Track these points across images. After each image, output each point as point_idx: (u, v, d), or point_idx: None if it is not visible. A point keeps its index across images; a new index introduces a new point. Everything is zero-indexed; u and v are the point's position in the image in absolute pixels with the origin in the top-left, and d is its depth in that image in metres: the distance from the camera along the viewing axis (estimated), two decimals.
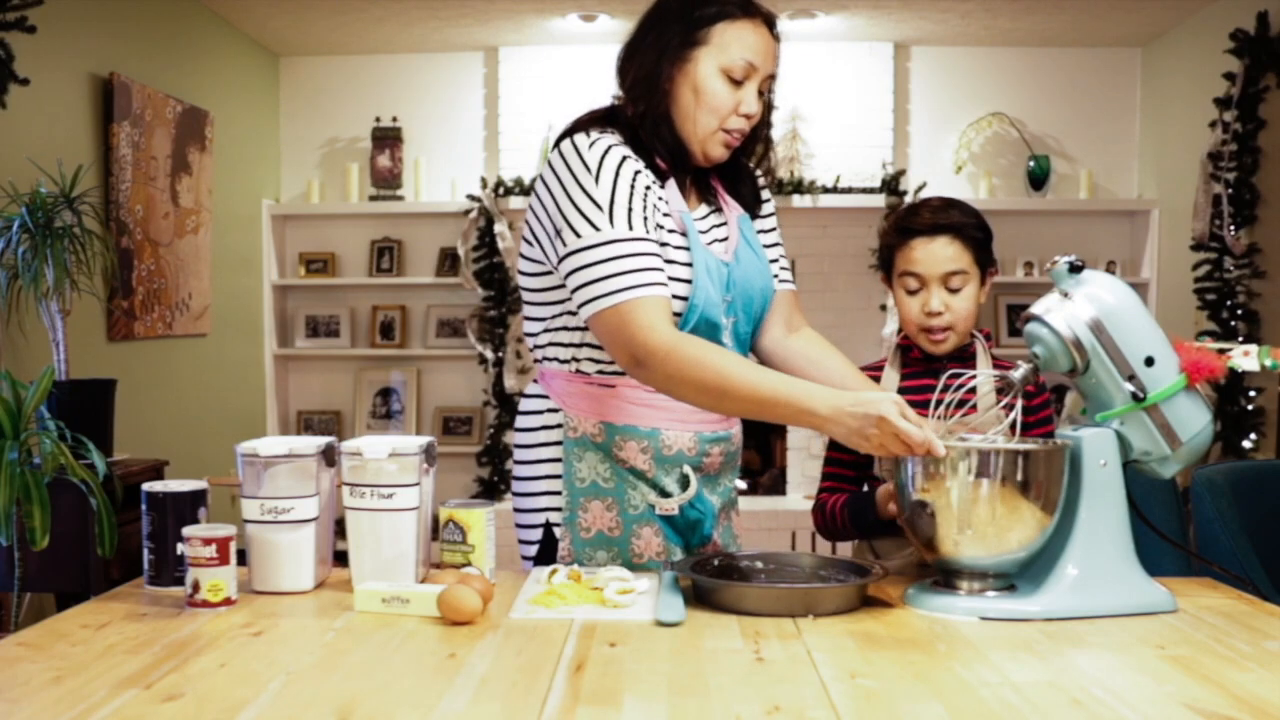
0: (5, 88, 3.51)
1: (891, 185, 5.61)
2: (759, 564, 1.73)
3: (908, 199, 5.55)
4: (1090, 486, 1.59)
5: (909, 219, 1.96)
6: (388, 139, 5.89)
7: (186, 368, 4.94)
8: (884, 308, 5.68)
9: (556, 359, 1.85)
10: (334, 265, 6.01)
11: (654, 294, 1.68)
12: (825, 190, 5.63)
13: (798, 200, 5.63)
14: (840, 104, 5.76)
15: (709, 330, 1.78)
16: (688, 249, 1.78)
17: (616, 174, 1.72)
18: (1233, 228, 4.63)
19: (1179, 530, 2.63)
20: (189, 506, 1.70)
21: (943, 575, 1.63)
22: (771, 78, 1.83)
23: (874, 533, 1.94)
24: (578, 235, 1.70)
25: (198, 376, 5.05)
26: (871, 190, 5.63)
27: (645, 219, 1.72)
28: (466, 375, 6.02)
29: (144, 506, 1.70)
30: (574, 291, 1.72)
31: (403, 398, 6.04)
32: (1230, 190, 4.64)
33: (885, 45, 5.77)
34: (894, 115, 5.79)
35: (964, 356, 1.98)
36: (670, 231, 1.78)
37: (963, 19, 5.37)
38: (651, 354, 1.65)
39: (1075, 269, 1.62)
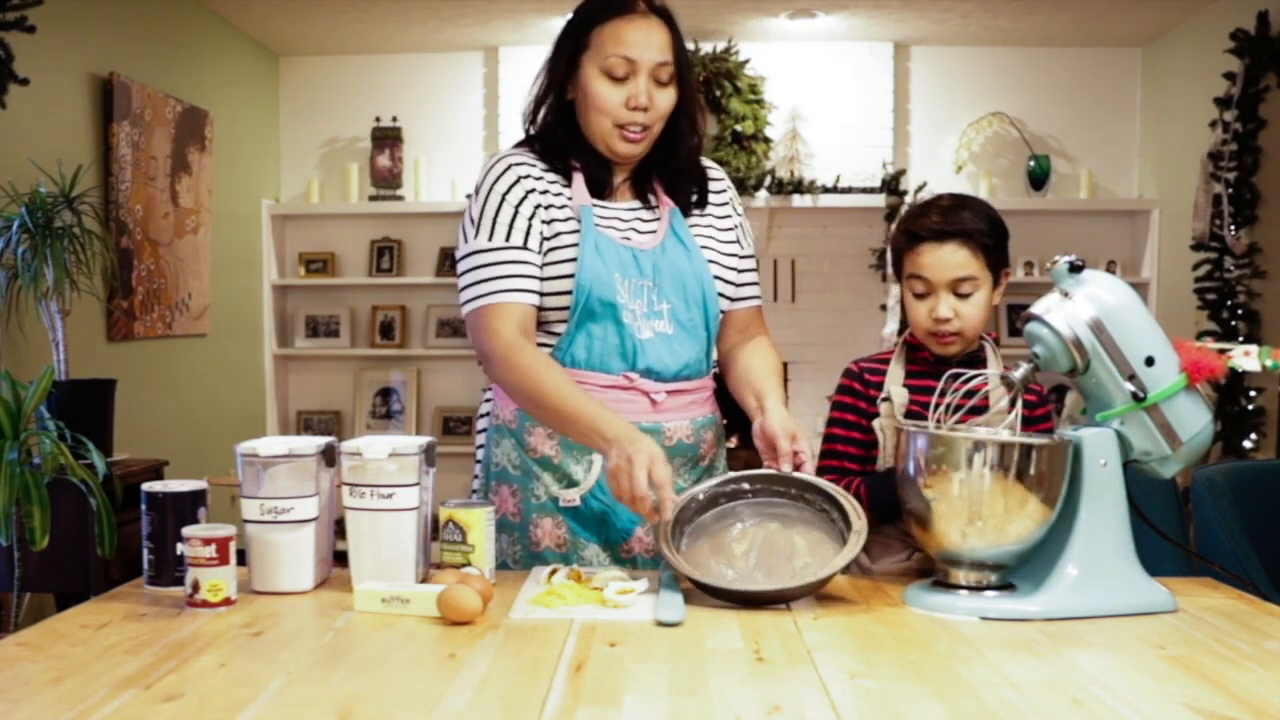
0: (5, 88, 3.51)
1: (891, 185, 5.61)
2: (745, 485, 1.74)
3: (908, 199, 5.55)
4: (1090, 486, 1.59)
5: (918, 221, 1.90)
6: (388, 139, 5.89)
7: (186, 368, 4.94)
8: (884, 308, 5.68)
9: None
10: (334, 265, 6.01)
11: (505, 300, 1.83)
12: (825, 190, 5.63)
13: (798, 200, 5.63)
14: (840, 104, 5.76)
15: (605, 309, 1.84)
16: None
17: (491, 190, 1.87)
18: (1233, 227, 4.63)
19: (1179, 530, 2.63)
20: (189, 506, 1.70)
21: (942, 566, 1.63)
22: (665, 65, 1.85)
23: (894, 517, 1.89)
24: (458, 247, 1.90)
25: (198, 376, 5.05)
26: (871, 190, 5.63)
27: (512, 229, 1.84)
28: (466, 375, 6.02)
29: (144, 506, 1.70)
30: (458, 294, 1.90)
31: (403, 398, 6.04)
32: (1230, 190, 4.64)
33: (885, 45, 5.77)
34: (894, 115, 5.79)
35: (974, 361, 1.94)
36: (565, 221, 1.87)
37: (963, 19, 5.37)
38: (489, 356, 1.83)
39: (1075, 269, 1.62)
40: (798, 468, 1.76)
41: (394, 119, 5.93)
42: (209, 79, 5.14)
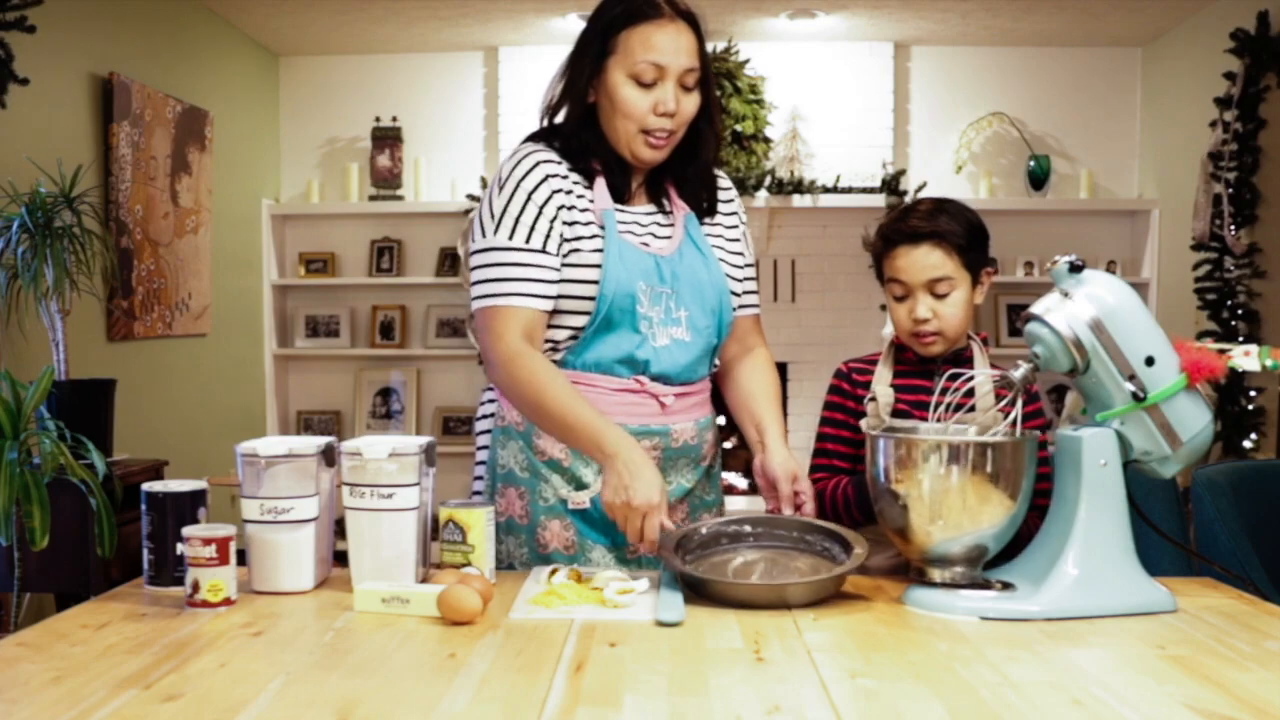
0: (5, 88, 3.51)
1: (891, 185, 5.61)
2: (747, 527, 1.74)
3: (908, 199, 5.55)
4: (1090, 486, 1.59)
5: (894, 225, 1.95)
6: (388, 139, 5.89)
7: (186, 368, 4.94)
8: (884, 307, 5.67)
9: None
10: (334, 265, 6.01)
11: (515, 304, 1.81)
12: (825, 190, 5.63)
13: (798, 200, 5.62)
14: (840, 104, 5.76)
15: (625, 317, 1.83)
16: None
17: (517, 187, 1.83)
18: (1233, 227, 4.63)
19: (1179, 530, 2.63)
20: (189, 506, 1.70)
21: (917, 564, 1.65)
22: (693, 71, 1.83)
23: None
24: (474, 240, 1.86)
25: (198, 376, 5.05)
26: (871, 190, 5.63)
27: (533, 231, 1.82)
28: (466, 375, 6.02)
29: (144, 506, 1.70)
30: (470, 288, 1.88)
31: (403, 398, 6.04)
32: (1230, 190, 4.64)
33: (885, 45, 5.77)
34: (894, 115, 5.79)
35: (959, 359, 1.97)
36: (586, 225, 1.85)
37: (963, 19, 5.37)
38: (493, 360, 1.82)
39: (1075, 269, 1.62)
40: (798, 508, 1.80)
41: (394, 119, 5.93)
42: (209, 79, 5.14)
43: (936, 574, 1.62)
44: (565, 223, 1.84)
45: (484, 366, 1.84)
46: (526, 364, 1.78)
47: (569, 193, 1.85)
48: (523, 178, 1.84)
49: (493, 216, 1.83)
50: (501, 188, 1.85)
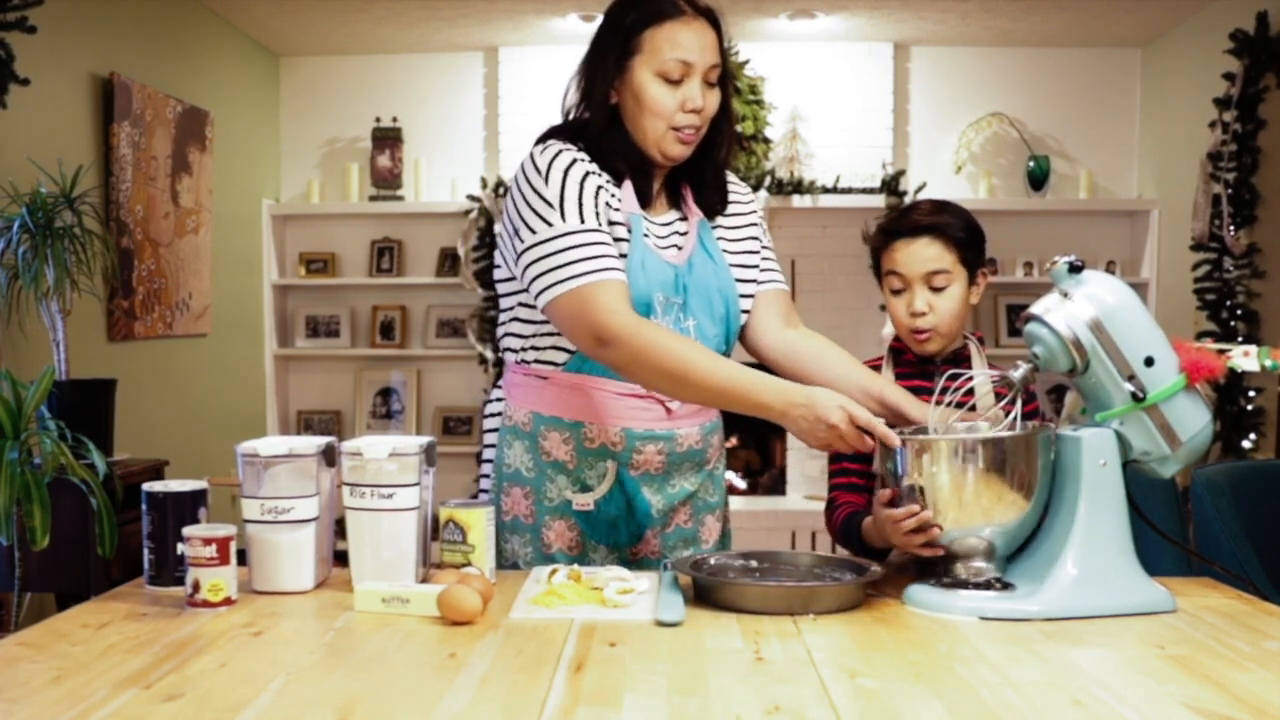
0: (5, 88, 3.51)
1: (891, 185, 5.61)
2: (754, 563, 1.73)
3: (908, 199, 5.56)
4: (1090, 486, 1.60)
5: (896, 220, 1.98)
6: (388, 139, 5.89)
7: (186, 368, 4.94)
8: (884, 308, 5.68)
9: (510, 349, 1.94)
10: (334, 265, 6.01)
11: (612, 278, 1.74)
12: (825, 190, 5.63)
13: (798, 200, 5.63)
14: (840, 104, 5.76)
15: None
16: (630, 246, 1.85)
17: (565, 175, 1.80)
18: (1232, 228, 4.64)
19: (1179, 530, 2.63)
20: (189, 506, 1.70)
21: (940, 563, 1.64)
22: (716, 68, 1.85)
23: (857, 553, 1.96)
24: (533, 232, 1.78)
25: (198, 376, 5.05)
26: (871, 190, 5.63)
27: (596, 214, 1.80)
28: (466, 375, 6.02)
29: (144, 506, 1.70)
30: (531, 283, 1.79)
31: (403, 398, 6.04)
32: (1230, 190, 4.64)
33: (885, 45, 5.78)
34: (894, 115, 5.79)
35: (958, 359, 1.98)
36: (617, 225, 1.84)
37: (963, 19, 5.37)
38: (615, 335, 1.70)
39: (1075, 269, 1.62)
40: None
41: (394, 119, 5.93)
42: (209, 79, 5.14)
43: (959, 569, 1.61)
44: (609, 207, 1.84)
45: (590, 348, 1.73)
46: (655, 334, 1.71)
47: (602, 189, 1.84)
48: (567, 167, 1.81)
49: (550, 206, 1.78)
50: (547, 180, 1.80)
